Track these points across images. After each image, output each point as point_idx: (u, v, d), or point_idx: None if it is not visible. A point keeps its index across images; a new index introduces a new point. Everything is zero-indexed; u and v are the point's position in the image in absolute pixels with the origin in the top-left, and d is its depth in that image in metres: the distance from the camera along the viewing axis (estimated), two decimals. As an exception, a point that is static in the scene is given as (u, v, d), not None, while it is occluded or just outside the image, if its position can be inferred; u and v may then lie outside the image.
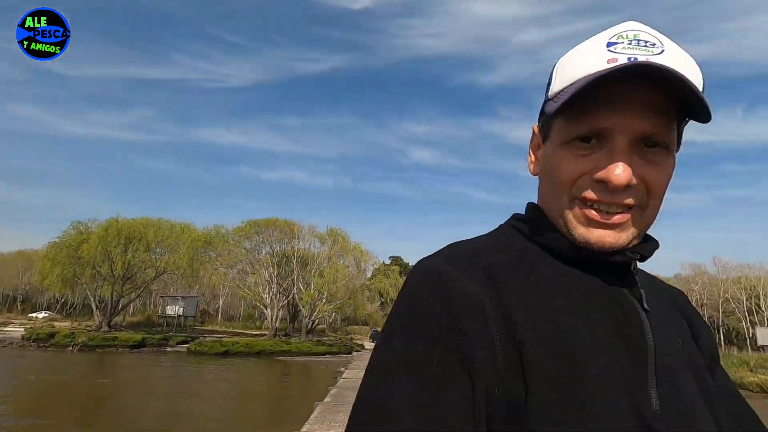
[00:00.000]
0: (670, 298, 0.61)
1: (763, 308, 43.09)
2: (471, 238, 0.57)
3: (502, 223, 0.61)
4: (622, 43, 0.47)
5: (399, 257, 67.44)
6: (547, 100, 0.53)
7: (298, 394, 15.20)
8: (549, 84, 0.54)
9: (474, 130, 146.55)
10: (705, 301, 45.95)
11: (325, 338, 37.68)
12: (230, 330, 45.28)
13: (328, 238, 36.89)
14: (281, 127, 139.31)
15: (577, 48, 0.51)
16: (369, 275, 41.84)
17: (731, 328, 46.72)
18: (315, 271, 34.35)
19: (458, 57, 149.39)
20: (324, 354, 30.09)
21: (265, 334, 35.02)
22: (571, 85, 0.48)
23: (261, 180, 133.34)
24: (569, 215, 0.50)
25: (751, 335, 39.35)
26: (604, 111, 0.46)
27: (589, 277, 0.51)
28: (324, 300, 34.04)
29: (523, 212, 0.60)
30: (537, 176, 0.58)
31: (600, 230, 0.49)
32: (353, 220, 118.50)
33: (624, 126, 0.46)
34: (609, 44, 0.48)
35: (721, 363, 0.60)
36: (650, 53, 0.45)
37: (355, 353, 31.90)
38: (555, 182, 0.51)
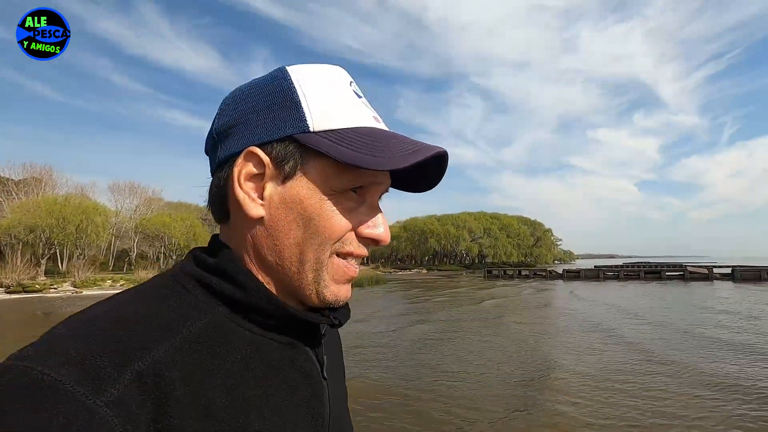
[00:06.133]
0: (338, 345, 0.62)
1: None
2: (122, 299, 0.39)
3: (171, 269, 0.45)
4: (362, 98, 0.48)
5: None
6: (305, 131, 0.42)
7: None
8: (293, 103, 0.43)
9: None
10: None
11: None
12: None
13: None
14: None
15: (319, 75, 0.45)
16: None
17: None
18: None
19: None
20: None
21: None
22: (350, 130, 0.43)
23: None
24: (324, 272, 0.44)
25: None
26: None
27: (282, 349, 0.45)
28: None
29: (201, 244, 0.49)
30: (256, 218, 0.44)
31: (346, 285, 0.46)
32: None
33: (384, 184, 0.47)
34: (357, 94, 0.47)
35: None
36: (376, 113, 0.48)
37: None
38: (319, 235, 0.43)
